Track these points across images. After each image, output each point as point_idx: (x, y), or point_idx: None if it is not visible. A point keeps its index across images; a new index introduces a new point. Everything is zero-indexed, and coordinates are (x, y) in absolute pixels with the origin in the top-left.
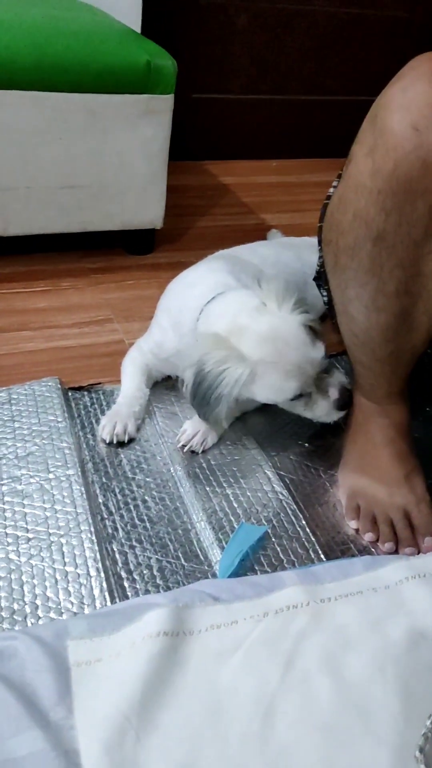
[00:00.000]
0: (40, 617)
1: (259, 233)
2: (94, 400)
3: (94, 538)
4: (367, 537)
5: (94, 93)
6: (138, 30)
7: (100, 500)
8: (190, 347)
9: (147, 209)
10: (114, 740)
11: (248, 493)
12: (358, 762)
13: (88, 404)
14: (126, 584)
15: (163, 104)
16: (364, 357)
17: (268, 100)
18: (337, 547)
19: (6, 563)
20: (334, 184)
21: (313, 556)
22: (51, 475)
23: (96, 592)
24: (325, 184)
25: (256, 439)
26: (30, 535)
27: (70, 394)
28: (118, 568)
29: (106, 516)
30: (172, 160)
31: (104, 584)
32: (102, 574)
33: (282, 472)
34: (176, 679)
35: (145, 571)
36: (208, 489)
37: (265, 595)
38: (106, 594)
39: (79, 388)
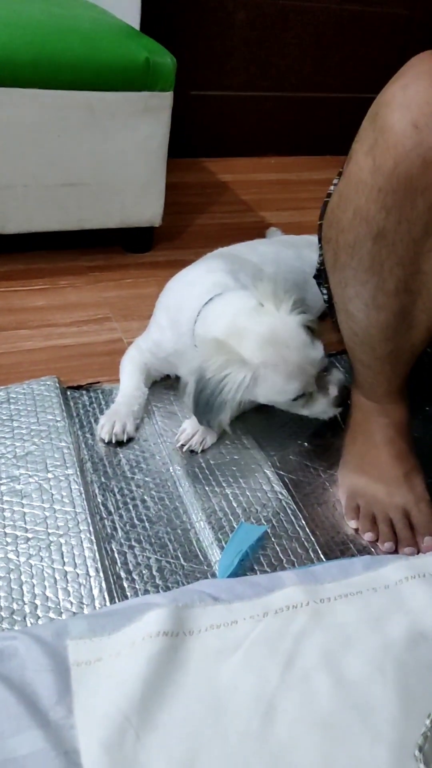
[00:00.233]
0: (39, 617)
1: (258, 231)
2: (93, 399)
3: (93, 537)
4: (367, 537)
5: (93, 90)
6: (137, 27)
7: (99, 500)
8: (189, 348)
9: (146, 207)
10: (114, 740)
11: (247, 493)
12: (358, 761)
13: (87, 403)
14: (125, 584)
15: (162, 101)
16: (363, 355)
17: (267, 97)
18: (337, 547)
19: (5, 563)
20: (335, 182)
21: (312, 556)
22: (50, 475)
23: (95, 591)
24: (324, 182)
25: (255, 438)
26: (29, 535)
27: (68, 393)
28: (118, 568)
29: (105, 516)
30: (170, 157)
31: (103, 584)
32: (101, 574)
33: (281, 472)
34: (176, 678)
35: (144, 571)
36: (207, 488)
37: (264, 595)
38: (106, 594)
39: (78, 387)
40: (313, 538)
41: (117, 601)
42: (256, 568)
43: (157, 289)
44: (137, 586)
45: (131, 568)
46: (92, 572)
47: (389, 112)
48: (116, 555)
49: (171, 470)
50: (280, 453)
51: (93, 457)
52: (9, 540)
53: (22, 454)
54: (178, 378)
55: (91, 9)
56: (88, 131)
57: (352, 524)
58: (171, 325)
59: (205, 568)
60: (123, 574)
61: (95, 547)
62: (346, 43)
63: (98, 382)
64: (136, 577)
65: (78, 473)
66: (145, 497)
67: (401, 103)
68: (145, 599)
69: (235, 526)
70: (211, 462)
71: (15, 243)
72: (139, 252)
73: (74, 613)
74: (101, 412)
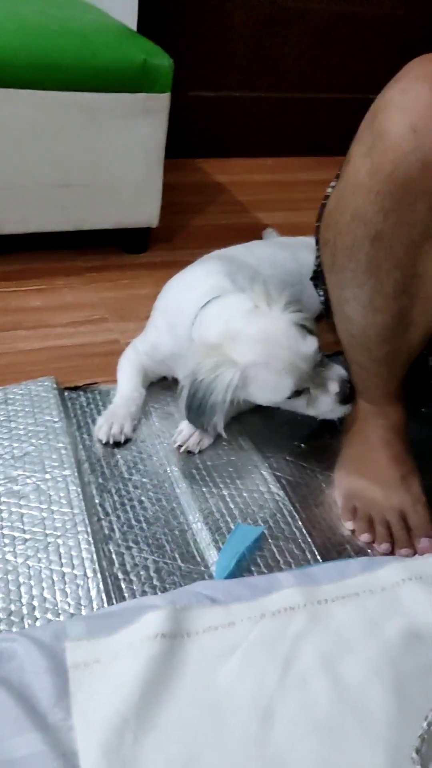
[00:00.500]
0: (37, 618)
1: (254, 232)
2: (90, 400)
3: (90, 539)
4: (364, 538)
5: (91, 92)
6: (134, 28)
7: (97, 501)
8: (186, 352)
9: (143, 208)
10: (112, 741)
11: (245, 494)
12: (355, 762)
13: (84, 404)
14: (123, 585)
15: (160, 103)
16: (360, 357)
17: (264, 98)
18: (334, 548)
19: (3, 564)
20: (332, 183)
21: (309, 557)
22: (47, 476)
23: (93, 593)
24: (321, 183)
25: (252, 439)
26: (27, 536)
27: (66, 393)
28: (115, 569)
29: (102, 517)
30: (167, 157)
31: (101, 585)
32: (99, 575)
33: (278, 473)
34: (174, 680)
35: (141, 572)
36: (204, 490)
37: (262, 597)
38: (103, 595)
39: (75, 388)
40: (310, 540)
41: (115, 601)
42: (253, 569)
43: (154, 290)
44: (135, 587)
45: (129, 569)
46: (90, 573)
47: (387, 115)
48: (114, 556)
49: (168, 471)
50: (277, 454)
51: (90, 458)
52: (7, 541)
53: (19, 455)
54: (175, 380)
55: (88, 10)
56: (85, 132)
57: (349, 525)
58: (168, 328)
59: (203, 569)
60: (121, 575)
61: (93, 548)
62: (342, 43)
63: (95, 383)
64: (133, 578)
65: (75, 474)
66: (143, 498)
67: (399, 107)
68: (143, 601)
69: (232, 527)
70: (209, 463)
71: (12, 243)
72: (136, 253)
73: (72, 614)
74: (99, 413)
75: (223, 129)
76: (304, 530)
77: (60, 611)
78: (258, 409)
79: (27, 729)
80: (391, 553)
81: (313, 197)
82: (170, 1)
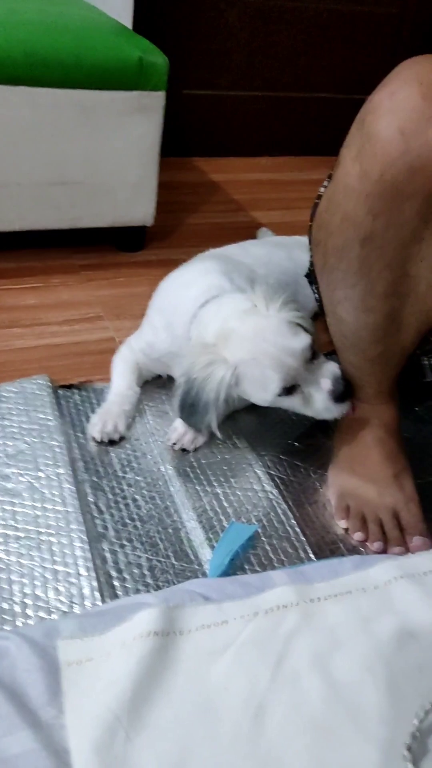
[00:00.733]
0: (29, 617)
1: (249, 231)
2: (85, 398)
3: (84, 537)
4: (357, 536)
5: (86, 89)
6: (130, 26)
7: (91, 499)
8: (183, 350)
9: (138, 206)
10: (104, 739)
11: (238, 493)
12: (348, 760)
13: (79, 402)
14: (116, 583)
15: (155, 101)
16: (353, 357)
17: (259, 96)
18: (327, 547)
19: None
20: (325, 183)
21: (302, 556)
22: (41, 474)
23: (86, 591)
24: (315, 182)
25: (246, 438)
26: (20, 534)
27: (60, 391)
28: (108, 567)
29: (96, 515)
30: (163, 156)
31: (94, 583)
32: (92, 573)
33: (272, 472)
34: (167, 678)
35: (135, 570)
36: (198, 488)
37: (255, 595)
38: (96, 593)
39: (70, 386)
40: (303, 538)
41: (108, 600)
42: (246, 567)
43: (149, 288)
44: (128, 585)
45: (122, 567)
46: (83, 571)
47: (376, 119)
48: (107, 554)
49: (162, 469)
50: (271, 453)
51: (84, 456)
52: (0, 539)
53: (13, 452)
54: (170, 378)
55: (84, 8)
56: (80, 130)
57: (342, 524)
58: (165, 327)
59: (196, 567)
60: (114, 573)
61: (86, 546)
62: (337, 43)
63: (90, 381)
64: (127, 576)
65: (69, 472)
66: (137, 496)
67: (388, 110)
68: (136, 599)
69: (225, 525)
70: (203, 461)
71: (7, 241)
72: (131, 251)
73: (65, 612)
74: (93, 410)
75: (218, 128)
76: (297, 529)
77: (53, 609)
78: (252, 408)
79: (19, 727)
80: (384, 551)
81: (308, 197)
82: (166, 0)
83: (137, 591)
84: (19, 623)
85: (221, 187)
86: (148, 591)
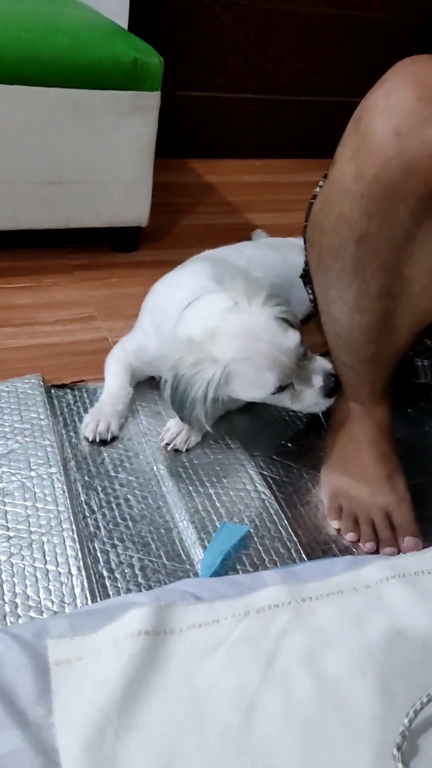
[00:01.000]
0: (20, 616)
1: (243, 233)
2: (77, 398)
3: (75, 536)
4: (349, 537)
5: (80, 89)
6: (125, 26)
7: (82, 499)
8: (170, 348)
9: (132, 207)
10: (94, 738)
11: (231, 493)
12: (338, 759)
13: (71, 402)
14: (107, 583)
15: (150, 101)
16: (347, 358)
17: (254, 99)
18: (319, 547)
19: None
20: (320, 184)
21: (294, 556)
22: (33, 473)
23: (77, 590)
24: (310, 184)
25: (239, 438)
26: (11, 534)
27: (52, 391)
28: (100, 567)
29: (88, 514)
30: (157, 157)
31: (85, 583)
32: (83, 573)
33: (265, 472)
34: (157, 677)
35: (126, 570)
36: (190, 488)
37: (246, 594)
38: (87, 593)
39: (62, 386)
40: (295, 538)
41: (99, 599)
42: (238, 567)
43: (142, 289)
44: (119, 585)
45: (114, 566)
46: (74, 571)
47: (372, 119)
48: (99, 554)
49: (155, 469)
50: (264, 453)
51: (77, 455)
52: None
53: (4, 452)
54: (162, 379)
55: (79, 8)
56: (75, 129)
57: (335, 524)
58: (155, 330)
59: (188, 567)
60: (105, 573)
61: (78, 546)
62: (332, 46)
63: (83, 381)
64: (118, 576)
65: (61, 472)
66: (129, 496)
67: (384, 110)
68: (127, 598)
69: (218, 525)
70: (195, 462)
71: (0, 240)
72: (125, 251)
73: (55, 612)
74: (85, 410)
75: (212, 130)
76: (289, 529)
77: (43, 609)
78: (245, 409)
79: (7, 726)
80: (376, 551)
81: (302, 199)
82: (161, 1)
83: (128, 590)
84: (8, 622)
85: (216, 188)
86: (140, 591)
